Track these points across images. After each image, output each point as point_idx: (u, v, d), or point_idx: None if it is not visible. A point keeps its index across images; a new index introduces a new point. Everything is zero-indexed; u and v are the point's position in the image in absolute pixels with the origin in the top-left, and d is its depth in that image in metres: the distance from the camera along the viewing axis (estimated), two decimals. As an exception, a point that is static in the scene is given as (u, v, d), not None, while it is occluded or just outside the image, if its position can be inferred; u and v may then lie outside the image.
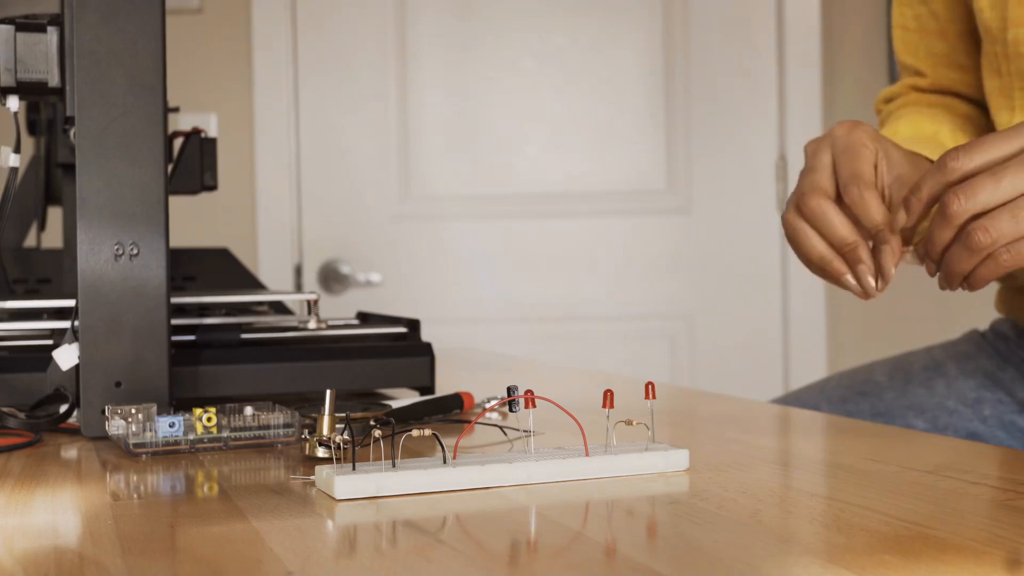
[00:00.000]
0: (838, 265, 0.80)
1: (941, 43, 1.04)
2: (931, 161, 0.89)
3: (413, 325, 0.95)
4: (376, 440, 0.58)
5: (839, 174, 0.81)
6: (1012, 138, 0.72)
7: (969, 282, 0.74)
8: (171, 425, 0.68)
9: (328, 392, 0.65)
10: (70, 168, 1.03)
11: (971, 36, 1.03)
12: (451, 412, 0.83)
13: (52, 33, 0.74)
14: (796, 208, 0.82)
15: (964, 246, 0.72)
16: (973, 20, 1.01)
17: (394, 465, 0.57)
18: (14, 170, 0.78)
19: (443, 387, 0.97)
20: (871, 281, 0.78)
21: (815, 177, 0.82)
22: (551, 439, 0.72)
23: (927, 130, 0.96)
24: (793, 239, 0.82)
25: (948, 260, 0.74)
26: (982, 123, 1.02)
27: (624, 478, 0.60)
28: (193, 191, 1.01)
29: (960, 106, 1.04)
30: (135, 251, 0.74)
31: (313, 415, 0.74)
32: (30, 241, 1.27)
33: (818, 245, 0.80)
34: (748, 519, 0.50)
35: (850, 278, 0.79)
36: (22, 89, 0.75)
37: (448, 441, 0.63)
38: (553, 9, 2.35)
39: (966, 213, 0.71)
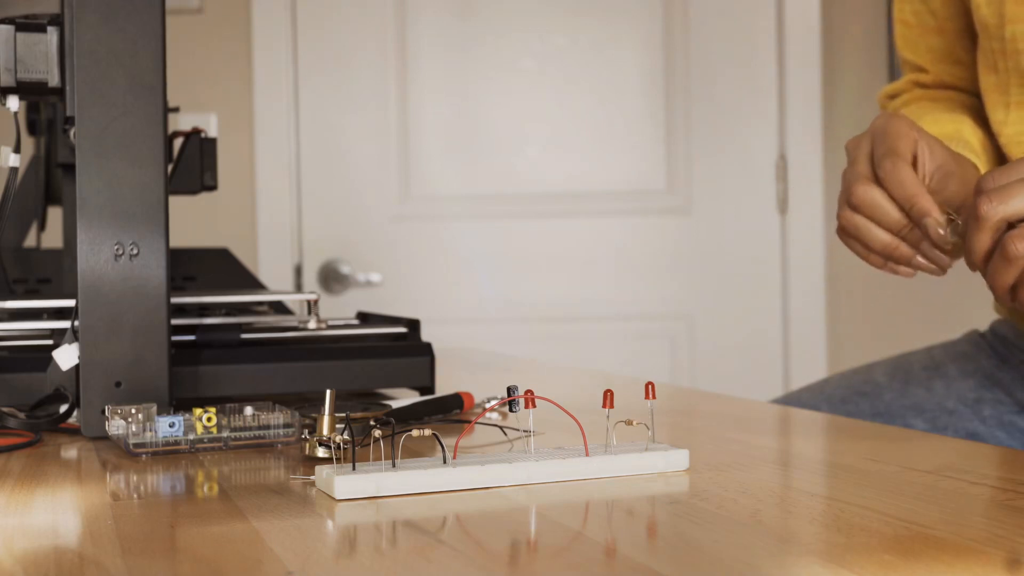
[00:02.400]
0: (905, 249, 0.80)
1: (940, 39, 1.05)
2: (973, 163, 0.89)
3: (413, 325, 0.95)
4: (376, 440, 0.58)
5: (875, 154, 0.81)
6: None
7: (1018, 299, 0.74)
8: (171, 425, 0.68)
9: (328, 392, 0.65)
10: (70, 168, 1.03)
11: (969, 32, 1.03)
12: (451, 412, 0.83)
13: (52, 33, 0.74)
14: (847, 204, 0.81)
15: (1002, 257, 0.71)
16: (971, 17, 1.01)
17: (394, 465, 0.57)
18: (14, 170, 0.78)
19: (443, 387, 0.97)
20: (940, 255, 0.78)
21: (857, 168, 0.82)
22: (551, 439, 0.72)
23: (948, 129, 0.96)
24: (854, 234, 0.82)
25: (991, 273, 0.73)
26: (985, 116, 1.03)
27: (624, 478, 0.60)
28: (193, 191, 1.01)
29: (965, 99, 1.04)
30: (135, 251, 0.74)
31: (313, 415, 0.74)
32: (30, 241, 1.27)
33: (880, 234, 0.80)
34: (748, 519, 0.50)
35: (920, 259, 0.79)
36: (22, 89, 0.75)
37: (448, 441, 0.63)
38: (553, 9, 2.35)
39: (997, 214, 0.71)
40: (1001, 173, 0.73)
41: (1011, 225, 0.72)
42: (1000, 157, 1.01)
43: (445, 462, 0.58)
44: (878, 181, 0.80)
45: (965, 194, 0.82)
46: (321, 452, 0.65)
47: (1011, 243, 0.70)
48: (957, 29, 1.03)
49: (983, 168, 0.90)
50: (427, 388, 0.91)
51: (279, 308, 1.08)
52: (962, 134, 0.95)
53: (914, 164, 0.81)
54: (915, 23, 1.05)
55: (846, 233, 0.83)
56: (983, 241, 0.72)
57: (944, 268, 0.80)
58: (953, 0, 1.02)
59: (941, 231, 0.77)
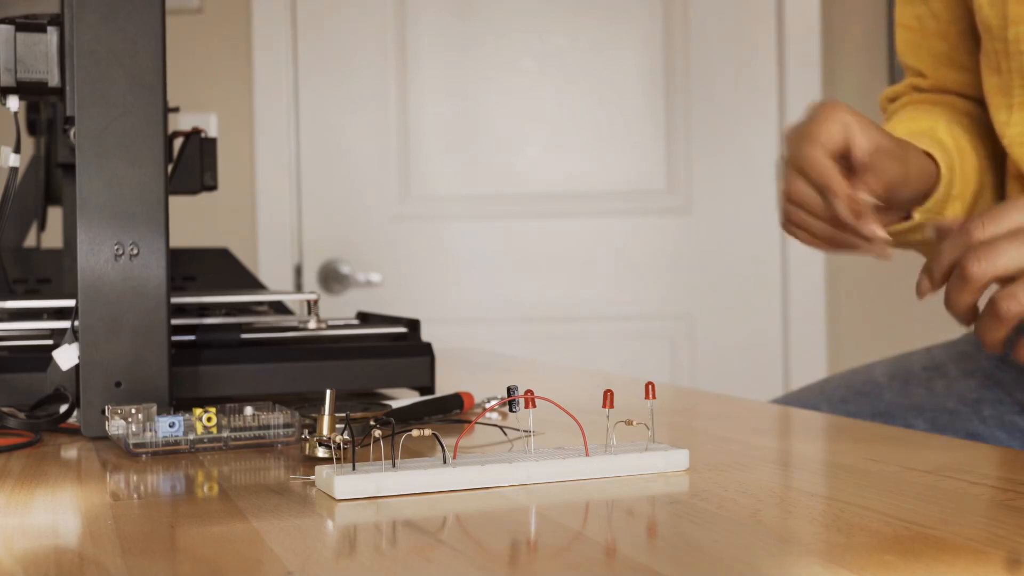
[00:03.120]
0: (846, 238, 0.81)
1: (942, 43, 1.04)
2: (927, 154, 0.89)
3: (413, 325, 0.95)
4: (376, 440, 0.58)
5: (792, 143, 0.82)
6: None
7: (1014, 356, 0.73)
8: (171, 425, 0.68)
9: (328, 392, 0.65)
10: (70, 168, 1.03)
11: (972, 36, 1.03)
12: (451, 412, 0.83)
13: (52, 33, 0.74)
14: (784, 196, 0.83)
15: (992, 315, 0.70)
16: (973, 19, 1.00)
17: (394, 465, 0.57)
18: (14, 170, 0.78)
19: (443, 387, 0.97)
20: (876, 231, 0.79)
21: (787, 160, 0.83)
22: (551, 439, 0.72)
23: (923, 125, 0.96)
24: (799, 224, 0.83)
25: (979, 329, 0.72)
26: (984, 120, 1.02)
27: (624, 478, 0.60)
28: (193, 191, 1.01)
29: (961, 104, 1.04)
30: (135, 251, 0.74)
31: (313, 415, 0.74)
32: (30, 241, 1.27)
33: (817, 225, 0.82)
34: (748, 519, 0.50)
35: (863, 245, 0.81)
36: (22, 89, 0.75)
37: (448, 441, 0.63)
38: (553, 9, 2.35)
39: (985, 276, 0.69)
40: (990, 220, 0.70)
41: (1000, 279, 0.70)
42: (1002, 158, 1.01)
43: (445, 462, 0.58)
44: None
45: (904, 174, 0.83)
46: (321, 452, 0.65)
47: (1002, 303, 0.69)
48: (960, 32, 1.03)
49: (943, 164, 0.89)
50: (427, 388, 0.91)
51: (279, 308, 1.08)
52: (935, 132, 0.95)
53: (849, 149, 0.81)
54: (917, 27, 1.05)
55: (791, 223, 0.84)
56: (967, 300, 0.71)
57: (885, 255, 0.81)
58: (955, 3, 1.02)
59: (844, 210, 0.78)
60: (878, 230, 0.80)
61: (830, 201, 0.80)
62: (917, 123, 0.97)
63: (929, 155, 0.89)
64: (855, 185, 0.80)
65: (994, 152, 1.00)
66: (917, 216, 0.89)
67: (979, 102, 1.04)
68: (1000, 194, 1.02)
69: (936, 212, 0.90)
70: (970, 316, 0.72)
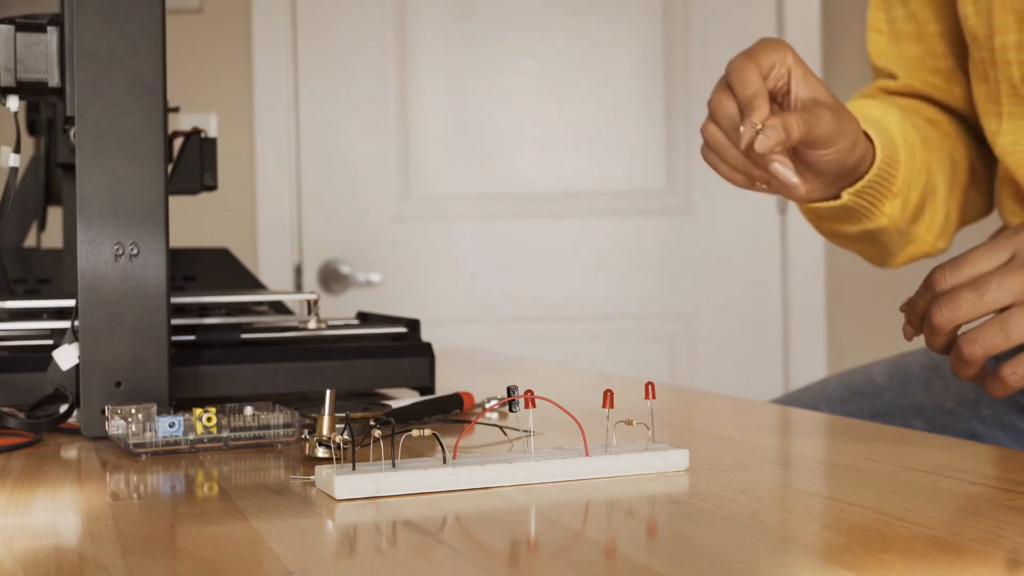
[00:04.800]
0: (758, 173, 0.81)
1: (916, 46, 1.03)
2: (867, 137, 0.86)
3: (413, 325, 0.95)
4: (376, 440, 0.58)
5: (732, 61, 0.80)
6: (995, 251, 0.74)
7: (988, 392, 0.76)
8: (171, 425, 0.68)
9: (328, 392, 0.65)
10: (70, 168, 1.03)
11: (949, 39, 1.02)
12: (451, 412, 0.83)
13: (52, 33, 0.74)
14: (708, 116, 0.81)
15: (958, 358, 0.74)
16: (956, 23, 1.00)
17: (394, 465, 0.57)
18: (14, 170, 0.78)
19: (443, 387, 0.97)
20: (781, 168, 0.79)
21: (719, 81, 0.81)
22: (551, 439, 0.72)
23: (873, 113, 0.94)
24: (715, 147, 0.81)
25: (953, 368, 0.76)
26: (954, 126, 1.02)
27: (624, 478, 0.60)
28: (193, 191, 1.01)
29: (927, 110, 1.02)
30: (135, 251, 0.74)
31: (313, 415, 0.74)
32: (30, 241, 1.27)
33: (731, 151, 0.80)
34: (748, 519, 0.50)
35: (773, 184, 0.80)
36: (22, 89, 0.75)
37: (448, 441, 0.63)
38: (553, 10, 2.35)
39: (949, 324, 0.73)
40: (951, 271, 0.74)
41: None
42: (992, 166, 1.01)
43: (445, 462, 0.58)
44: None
45: (833, 134, 0.79)
46: (321, 452, 0.65)
47: (964, 347, 0.73)
48: (937, 34, 1.01)
49: (880, 150, 0.86)
50: (427, 388, 0.91)
51: (279, 308, 1.08)
52: (884, 122, 0.92)
53: (788, 90, 0.79)
54: (888, 31, 1.04)
55: (708, 147, 0.82)
56: (940, 344, 0.76)
57: (792, 182, 0.80)
58: (938, 5, 1.02)
59: (748, 138, 0.76)
60: (785, 169, 0.79)
61: (745, 103, 0.77)
62: (865, 110, 0.95)
63: (869, 138, 0.86)
64: (779, 118, 0.76)
65: (956, 159, 0.99)
66: (845, 197, 0.86)
67: (952, 108, 1.03)
68: (971, 202, 1.02)
69: (869, 200, 0.88)
70: (945, 351, 0.77)
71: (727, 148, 0.81)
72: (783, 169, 0.80)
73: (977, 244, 0.76)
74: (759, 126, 0.76)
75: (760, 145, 0.76)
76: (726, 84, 0.79)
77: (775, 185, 0.82)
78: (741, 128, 0.77)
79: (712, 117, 0.81)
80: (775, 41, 0.80)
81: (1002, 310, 0.72)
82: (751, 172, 0.82)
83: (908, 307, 0.78)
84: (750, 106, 0.77)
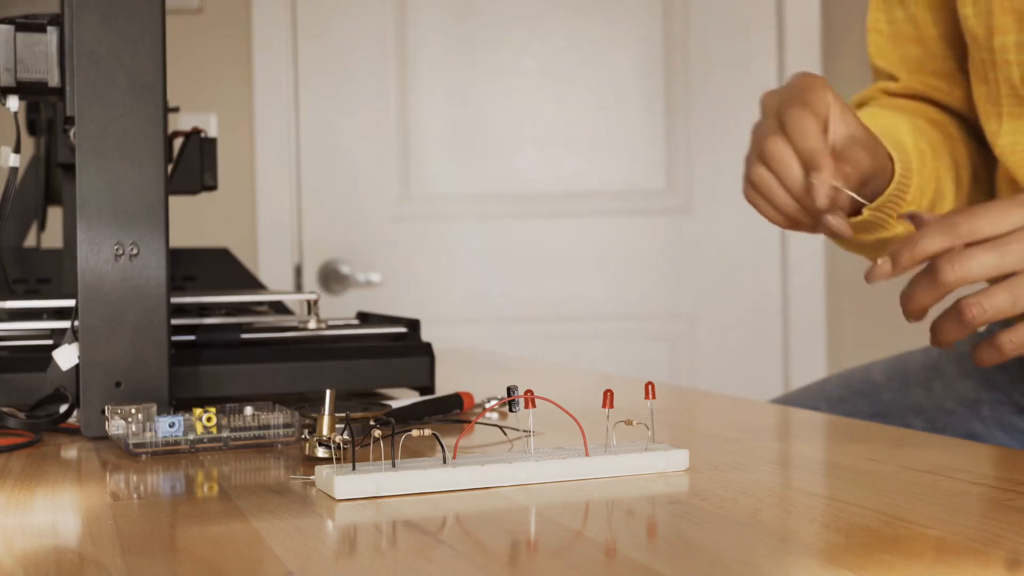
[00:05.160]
0: (807, 221, 0.78)
1: (916, 48, 1.03)
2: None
3: (413, 325, 0.95)
4: (376, 440, 0.58)
5: (783, 106, 0.78)
6: (1015, 209, 0.69)
7: (975, 361, 0.73)
8: (171, 425, 0.68)
9: (328, 392, 0.65)
10: (70, 168, 1.03)
11: (949, 41, 1.01)
12: (451, 412, 0.83)
13: (52, 33, 0.74)
14: (757, 158, 0.79)
15: (957, 320, 0.70)
16: (955, 24, 1.00)
17: (394, 465, 0.57)
18: (14, 170, 0.78)
19: (443, 387, 0.97)
20: (839, 224, 0.76)
21: (769, 122, 0.79)
22: (551, 439, 0.72)
23: (882, 124, 0.94)
24: (762, 191, 0.79)
25: (937, 328, 0.71)
26: (955, 127, 1.02)
27: (624, 478, 0.60)
28: (193, 191, 1.01)
29: (931, 111, 1.02)
30: (135, 251, 0.74)
31: (313, 415, 0.74)
32: (30, 241, 1.27)
33: (783, 199, 0.78)
34: (748, 519, 0.50)
35: (826, 222, 0.77)
36: (22, 89, 0.75)
37: (448, 441, 0.63)
38: (553, 10, 2.35)
39: (957, 283, 0.69)
40: (967, 218, 0.70)
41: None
42: (993, 166, 1.01)
43: (445, 462, 0.58)
44: (786, 134, 0.77)
45: (873, 168, 0.79)
46: (321, 452, 0.65)
47: (968, 310, 0.68)
48: (937, 36, 1.01)
49: (899, 164, 0.85)
50: (427, 388, 0.91)
51: (279, 308, 1.08)
52: (895, 132, 0.92)
53: (825, 126, 0.78)
54: (889, 32, 1.04)
55: (753, 188, 0.80)
56: (929, 301, 0.70)
57: (847, 235, 0.78)
58: (937, 7, 1.02)
59: (824, 196, 0.74)
60: (844, 225, 0.77)
61: (810, 178, 0.75)
62: (876, 120, 0.94)
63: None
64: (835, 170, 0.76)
65: (960, 162, 0.99)
66: (866, 214, 0.85)
67: (952, 109, 1.03)
68: (973, 203, 1.01)
69: (887, 213, 0.87)
70: (922, 314, 0.72)
71: (777, 193, 0.79)
72: (838, 221, 0.77)
73: (992, 200, 0.72)
74: (835, 183, 0.75)
75: (821, 201, 0.75)
76: (780, 130, 0.77)
77: (821, 229, 0.80)
78: (813, 180, 0.75)
79: (763, 161, 0.79)
80: (817, 81, 0.79)
81: (1009, 275, 0.68)
82: (800, 218, 0.80)
83: (900, 247, 0.72)
84: (815, 162, 0.75)
